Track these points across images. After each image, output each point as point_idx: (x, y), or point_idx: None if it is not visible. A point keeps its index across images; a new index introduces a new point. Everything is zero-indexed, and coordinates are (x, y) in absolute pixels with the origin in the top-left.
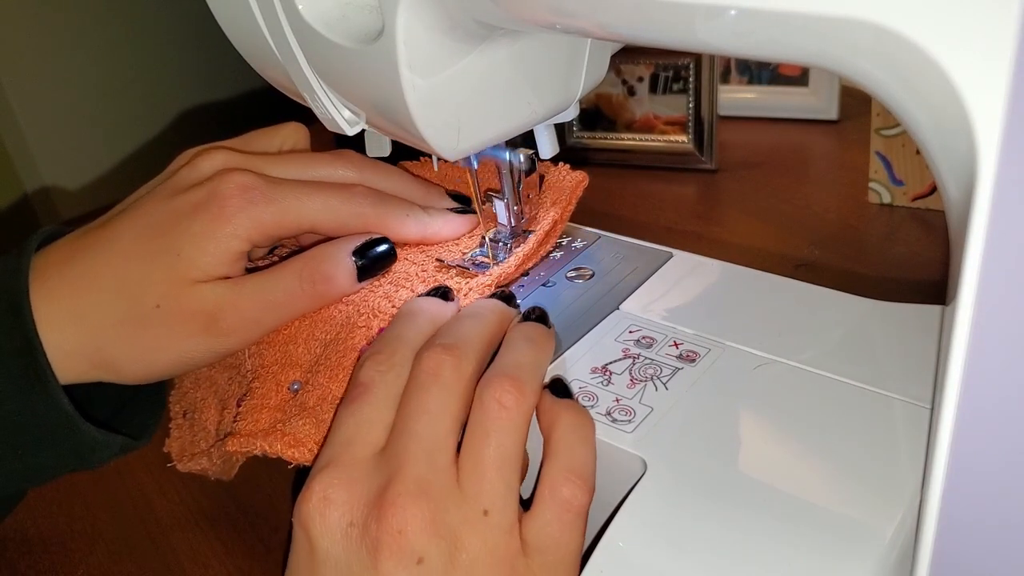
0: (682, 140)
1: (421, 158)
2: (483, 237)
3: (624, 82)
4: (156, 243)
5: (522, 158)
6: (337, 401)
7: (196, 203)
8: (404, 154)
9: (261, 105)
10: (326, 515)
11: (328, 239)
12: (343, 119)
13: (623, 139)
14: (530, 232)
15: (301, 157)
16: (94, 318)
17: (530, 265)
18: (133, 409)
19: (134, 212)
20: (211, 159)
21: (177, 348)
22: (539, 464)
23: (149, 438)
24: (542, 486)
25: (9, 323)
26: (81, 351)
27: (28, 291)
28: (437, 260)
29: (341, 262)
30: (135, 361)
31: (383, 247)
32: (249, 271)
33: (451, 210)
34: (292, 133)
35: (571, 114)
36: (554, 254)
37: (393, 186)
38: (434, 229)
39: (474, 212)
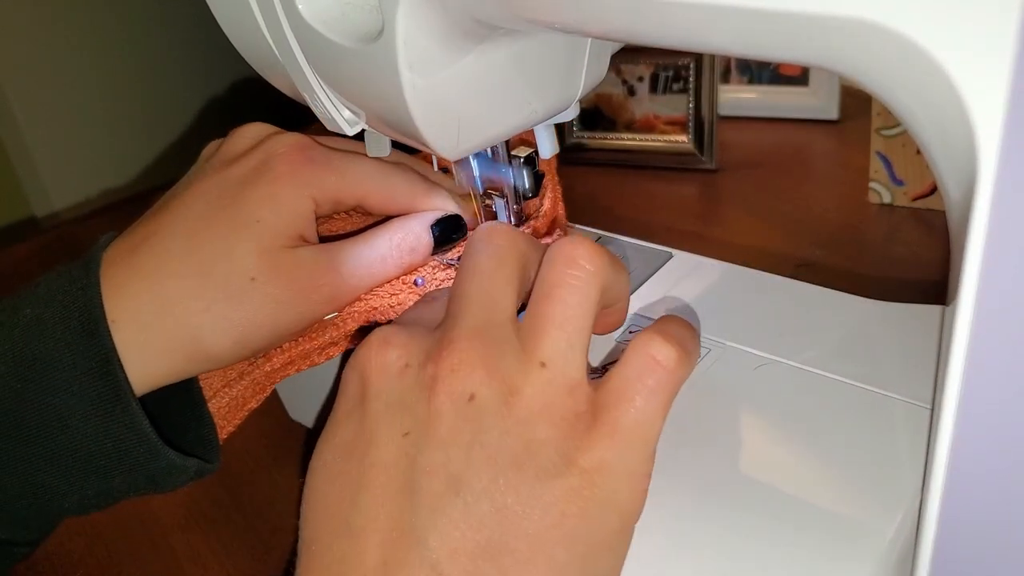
0: (682, 140)
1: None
2: None
3: (624, 82)
4: (226, 214)
5: (525, 175)
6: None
7: (254, 167)
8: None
9: (262, 106)
10: (385, 354)
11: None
12: (343, 119)
13: (623, 139)
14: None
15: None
16: (182, 308)
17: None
18: (179, 416)
19: (189, 192)
20: (251, 129)
21: (273, 321)
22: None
23: (219, 457)
24: (629, 347)
25: (83, 344)
26: (175, 346)
27: (102, 306)
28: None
29: (424, 234)
30: (234, 343)
31: (458, 224)
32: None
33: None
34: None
35: (571, 114)
36: None
37: (428, 171)
38: (470, 213)
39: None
